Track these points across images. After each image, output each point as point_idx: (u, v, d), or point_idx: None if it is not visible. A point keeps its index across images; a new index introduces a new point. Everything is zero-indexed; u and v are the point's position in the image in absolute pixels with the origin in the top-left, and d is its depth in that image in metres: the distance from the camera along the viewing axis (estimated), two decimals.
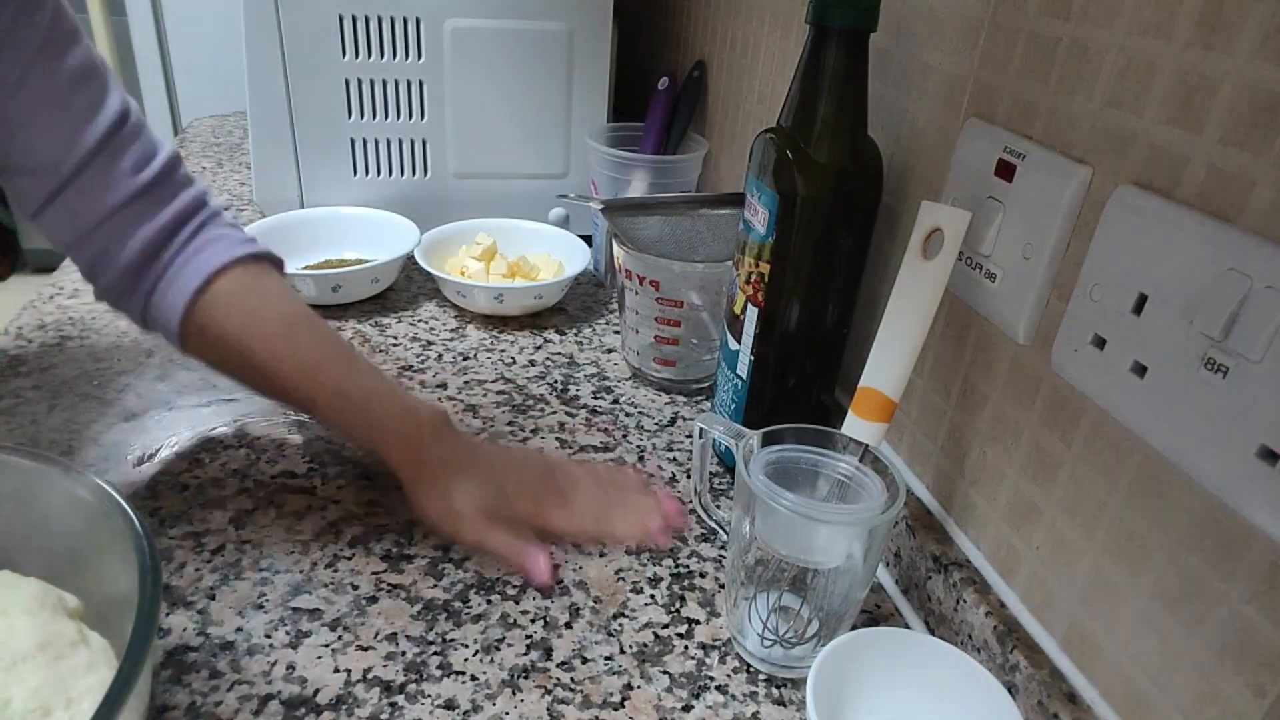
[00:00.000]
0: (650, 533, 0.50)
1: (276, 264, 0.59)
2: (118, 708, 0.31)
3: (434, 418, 0.53)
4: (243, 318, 0.54)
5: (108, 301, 0.56)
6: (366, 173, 0.95)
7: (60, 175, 0.51)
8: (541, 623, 0.50)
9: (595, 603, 0.52)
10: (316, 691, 0.45)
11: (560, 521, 0.51)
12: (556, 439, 0.67)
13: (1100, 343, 0.39)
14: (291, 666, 0.46)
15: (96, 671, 0.37)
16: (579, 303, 0.90)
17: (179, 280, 0.54)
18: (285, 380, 0.54)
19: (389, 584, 0.52)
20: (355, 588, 0.51)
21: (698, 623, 0.51)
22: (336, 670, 0.46)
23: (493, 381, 0.74)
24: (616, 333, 0.84)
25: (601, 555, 0.56)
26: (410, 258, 0.84)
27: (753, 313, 0.57)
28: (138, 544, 0.38)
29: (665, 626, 0.51)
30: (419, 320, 0.84)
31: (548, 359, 0.79)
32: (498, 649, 0.48)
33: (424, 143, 0.95)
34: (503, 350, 0.79)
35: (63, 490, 0.41)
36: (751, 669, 0.49)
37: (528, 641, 0.49)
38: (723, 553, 0.57)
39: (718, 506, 0.59)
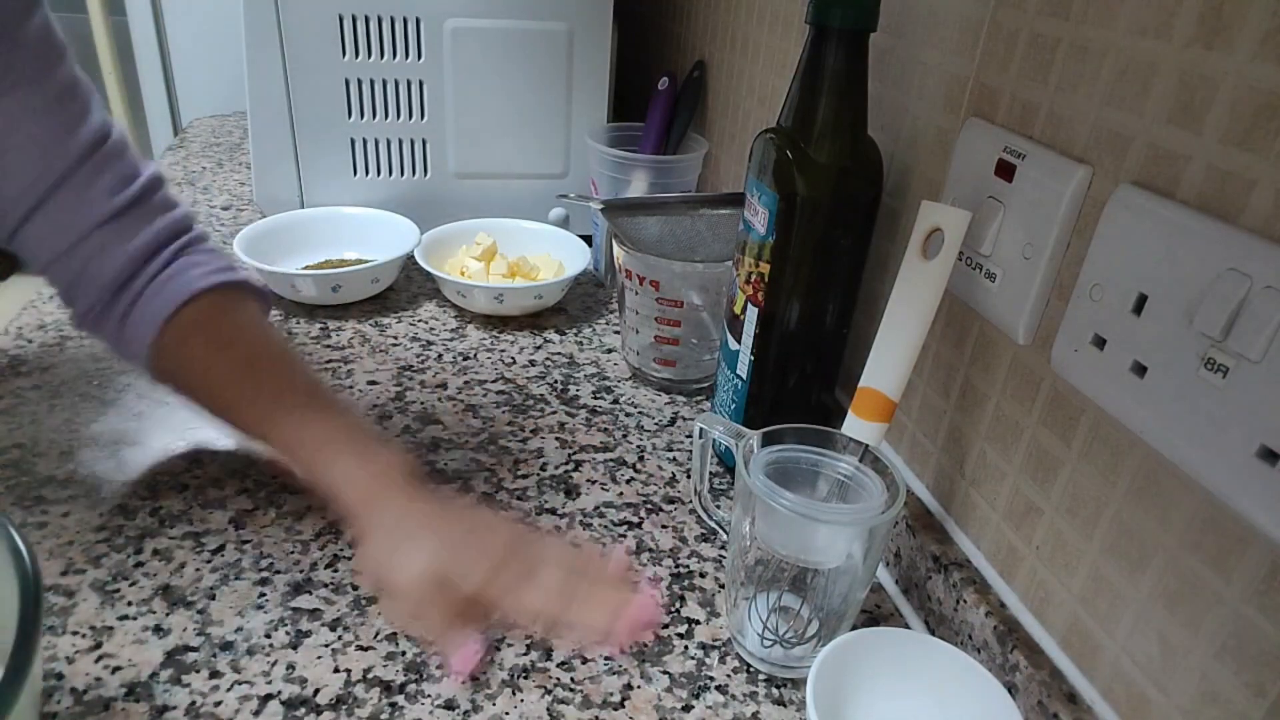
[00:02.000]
0: (612, 633, 0.44)
1: (256, 294, 0.58)
2: None
3: (394, 469, 0.49)
4: (208, 348, 0.53)
5: (85, 327, 0.55)
6: (366, 173, 0.95)
7: (36, 193, 0.50)
8: None
9: None
10: (316, 691, 0.45)
11: (513, 603, 0.44)
12: (556, 439, 0.67)
13: (1100, 343, 0.39)
14: (291, 666, 0.46)
15: None
16: (579, 303, 0.90)
17: (150, 306, 0.53)
18: (245, 415, 0.52)
19: None
20: (355, 588, 0.51)
21: (698, 623, 0.51)
22: (336, 670, 0.46)
23: (493, 381, 0.74)
24: (616, 333, 0.84)
25: (601, 555, 0.55)
26: (410, 258, 0.84)
27: (753, 313, 0.57)
28: (19, 565, 0.34)
29: (665, 626, 0.51)
30: (419, 320, 0.84)
31: (548, 359, 0.79)
32: (498, 649, 0.48)
33: (424, 143, 0.95)
34: (503, 350, 0.79)
35: None
36: (751, 669, 0.49)
37: (528, 641, 0.49)
38: (723, 553, 0.57)
39: (718, 506, 0.59)
